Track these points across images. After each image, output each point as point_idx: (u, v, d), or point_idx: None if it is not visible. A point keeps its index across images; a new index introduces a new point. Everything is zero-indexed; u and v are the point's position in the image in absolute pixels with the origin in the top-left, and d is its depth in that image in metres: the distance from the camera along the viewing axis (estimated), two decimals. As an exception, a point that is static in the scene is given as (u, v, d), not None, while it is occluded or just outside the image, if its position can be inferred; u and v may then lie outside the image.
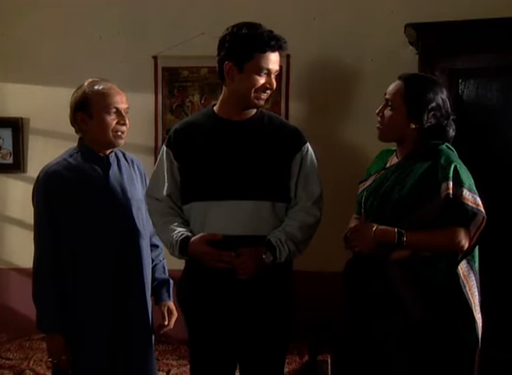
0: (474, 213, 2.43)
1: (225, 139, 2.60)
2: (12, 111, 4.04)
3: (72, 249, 2.63)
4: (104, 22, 3.93)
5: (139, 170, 2.78)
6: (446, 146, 2.57)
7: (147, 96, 3.83)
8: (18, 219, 4.09)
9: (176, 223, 2.63)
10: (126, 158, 2.76)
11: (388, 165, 2.66)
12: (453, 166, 2.45)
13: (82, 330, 2.72)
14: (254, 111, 2.64)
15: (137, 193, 2.72)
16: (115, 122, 2.67)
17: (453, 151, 2.56)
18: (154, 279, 2.79)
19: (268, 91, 2.54)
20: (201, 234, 2.51)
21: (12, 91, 4.05)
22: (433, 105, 2.52)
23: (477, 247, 2.53)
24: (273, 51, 2.50)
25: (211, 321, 2.63)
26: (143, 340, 2.80)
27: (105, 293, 2.67)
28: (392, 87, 2.60)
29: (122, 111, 2.67)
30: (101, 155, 2.72)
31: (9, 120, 4.06)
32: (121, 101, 2.67)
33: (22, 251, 3.98)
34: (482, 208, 2.45)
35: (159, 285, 2.80)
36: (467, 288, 2.50)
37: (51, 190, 2.71)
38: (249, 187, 2.56)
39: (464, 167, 2.51)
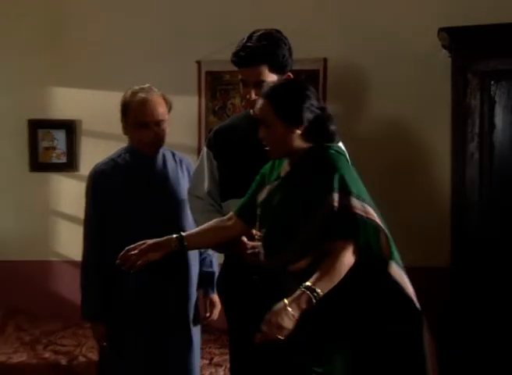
0: (364, 222, 2.22)
1: (260, 140, 2.54)
2: (66, 114, 4.09)
3: (116, 243, 2.62)
4: (152, 29, 3.96)
5: (187, 170, 2.80)
6: (335, 150, 2.37)
7: (191, 99, 3.85)
8: (71, 215, 4.13)
9: (214, 220, 2.63)
10: (174, 159, 2.78)
11: (282, 173, 2.46)
12: (338, 176, 2.25)
13: (122, 319, 2.73)
14: None
15: (182, 192, 2.73)
16: (142, 133, 2.71)
17: (342, 153, 2.38)
18: (200, 272, 2.80)
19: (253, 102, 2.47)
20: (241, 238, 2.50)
21: (66, 95, 4.10)
22: (304, 104, 2.33)
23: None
24: (239, 66, 2.52)
25: (248, 312, 2.60)
26: (182, 331, 2.80)
27: (147, 286, 2.69)
28: (259, 107, 2.39)
29: (152, 123, 2.70)
30: (148, 155, 2.74)
31: (63, 123, 4.10)
32: (152, 114, 2.71)
33: (74, 244, 3.83)
34: (373, 217, 2.23)
35: (203, 278, 2.81)
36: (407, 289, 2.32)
37: (98, 188, 2.77)
38: None
39: (352, 174, 2.33)
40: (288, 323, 2.15)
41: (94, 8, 4.04)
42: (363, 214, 2.23)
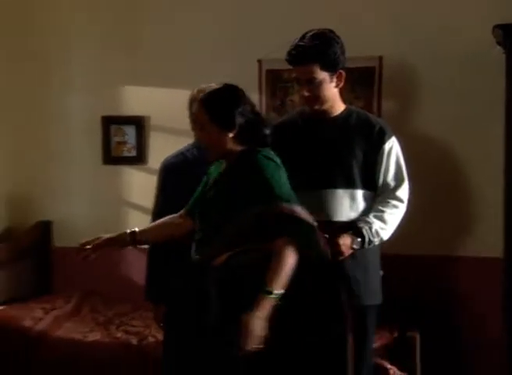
0: (299, 221, 2.28)
1: (314, 134, 2.67)
2: (136, 110, 4.18)
3: None
4: (216, 31, 3.98)
5: None
6: (264, 155, 2.39)
7: (253, 96, 3.69)
8: (140, 205, 4.17)
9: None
10: None
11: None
12: (264, 180, 2.30)
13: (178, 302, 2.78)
14: (342, 108, 2.69)
15: None
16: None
17: (271, 158, 2.39)
18: None
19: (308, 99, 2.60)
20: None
21: (136, 92, 4.17)
22: (236, 109, 2.39)
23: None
24: (292, 65, 2.61)
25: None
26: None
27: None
28: (195, 110, 2.51)
29: None
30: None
31: (133, 118, 4.19)
32: None
33: None
34: (304, 216, 2.29)
35: None
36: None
37: (166, 179, 2.90)
38: (336, 177, 2.61)
39: (279, 178, 2.35)
40: (260, 331, 2.19)
41: (162, 12, 4.10)
42: (297, 215, 2.28)
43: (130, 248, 4.05)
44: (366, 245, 2.56)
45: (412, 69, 3.76)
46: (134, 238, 2.56)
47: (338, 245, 2.51)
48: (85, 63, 4.24)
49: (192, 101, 2.83)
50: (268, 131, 2.47)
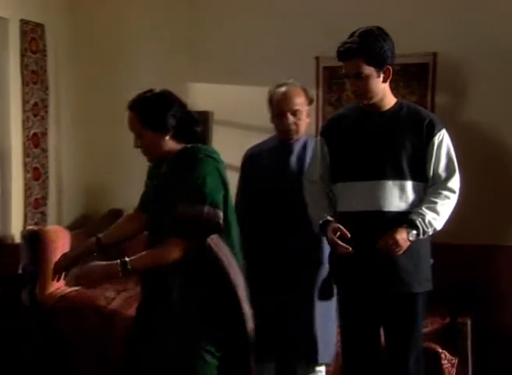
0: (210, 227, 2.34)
1: (366, 127, 2.70)
2: (201, 105, 4.01)
3: (255, 215, 2.91)
4: (276, 30, 4.07)
5: None
6: (204, 154, 2.45)
7: (310, 91, 3.77)
8: None
9: (318, 208, 2.76)
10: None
11: (162, 170, 2.57)
12: (194, 182, 2.34)
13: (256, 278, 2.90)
14: (393, 102, 2.72)
15: None
16: (280, 121, 2.94)
17: (211, 155, 2.45)
18: None
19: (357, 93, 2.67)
20: (334, 225, 2.64)
21: (201, 89, 4.25)
22: (167, 112, 2.43)
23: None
24: (340, 61, 2.67)
25: (357, 289, 2.74)
26: (306, 295, 2.94)
27: (272, 255, 2.92)
28: (128, 120, 2.51)
29: (288, 113, 2.90)
30: (288, 141, 2.97)
31: (198, 113, 4.09)
32: (288, 104, 2.91)
33: None
34: (218, 219, 2.33)
35: None
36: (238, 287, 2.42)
37: (244, 168, 3.09)
38: (386, 169, 2.64)
39: (212, 179, 2.38)
40: (95, 277, 2.36)
41: (224, 14, 4.20)
42: (198, 216, 2.32)
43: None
44: (421, 236, 2.59)
45: (465, 65, 3.77)
46: (100, 244, 2.57)
47: (396, 240, 2.55)
48: (153, 63, 4.34)
49: (272, 95, 2.98)
50: (199, 129, 2.55)
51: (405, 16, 3.82)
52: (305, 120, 2.97)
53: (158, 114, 2.45)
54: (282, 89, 2.96)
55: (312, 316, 2.94)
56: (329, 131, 2.82)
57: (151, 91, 2.52)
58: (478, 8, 3.74)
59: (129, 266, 2.35)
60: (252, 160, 3.08)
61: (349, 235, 2.61)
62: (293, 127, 2.94)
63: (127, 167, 4.25)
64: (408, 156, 2.64)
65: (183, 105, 2.52)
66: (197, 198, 2.36)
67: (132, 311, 3.56)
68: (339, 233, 2.63)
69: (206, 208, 2.35)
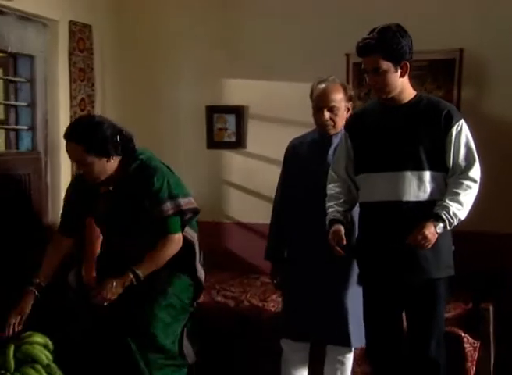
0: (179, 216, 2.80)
1: (386, 121, 2.75)
2: (236, 101, 4.34)
3: (291, 201, 3.04)
4: (308, 28, 4.10)
5: None
6: (148, 159, 2.85)
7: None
8: (239, 185, 4.40)
9: (334, 202, 2.85)
10: None
11: (104, 189, 2.90)
12: (161, 186, 2.77)
13: (291, 260, 3.12)
14: (412, 96, 2.75)
15: None
16: (317, 116, 3.02)
17: (154, 159, 2.88)
18: None
19: (375, 88, 2.74)
20: (336, 228, 2.77)
21: (236, 85, 4.35)
22: (107, 140, 2.73)
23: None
24: (359, 56, 2.76)
25: (378, 276, 2.80)
26: (336, 279, 3.03)
27: (310, 237, 3.01)
28: (71, 151, 2.76)
29: (325, 108, 2.98)
30: (326, 134, 3.06)
31: (234, 108, 4.34)
32: (324, 100, 2.99)
33: (242, 209, 4.40)
34: (191, 205, 2.86)
35: None
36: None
37: (286, 157, 3.20)
38: (404, 161, 2.67)
39: (171, 178, 2.83)
40: (112, 294, 2.75)
41: (258, 13, 4.25)
42: (181, 209, 2.81)
43: (228, 222, 4.38)
44: (448, 228, 2.62)
45: (490, 60, 3.79)
46: (39, 286, 2.87)
47: (425, 235, 2.58)
48: (192, 60, 4.42)
49: (312, 91, 3.06)
50: (133, 144, 2.86)
51: (432, 14, 3.84)
52: (342, 116, 3.02)
53: (100, 140, 2.73)
54: (322, 85, 3.01)
55: (346, 301, 3.02)
56: (352, 125, 2.89)
57: (82, 119, 2.91)
58: (504, 4, 3.75)
59: (141, 276, 2.79)
60: (294, 150, 3.17)
61: (344, 242, 2.73)
62: (330, 123, 3.01)
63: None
64: (426, 147, 2.66)
65: (113, 126, 2.80)
66: (170, 196, 2.79)
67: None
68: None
69: (181, 200, 2.81)
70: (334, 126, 3.02)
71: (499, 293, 3.61)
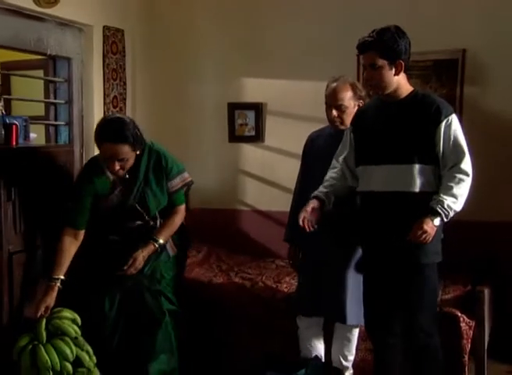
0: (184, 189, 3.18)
1: (382, 116, 2.83)
2: (255, 98, 4.48)
3: (307, 191, 3.11)
4: (321, 30, 4.24)
5: None
6: (156, 146, 3.13)
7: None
8: (257, 175, 4.54)
9: (325, 183, 2.95)
10: None
11: (116, 178, 3.17)
12: (168, 164, 3.16)
13: (303, 244, 3.24)
14: (409, 91, 2.80)
15: None
16: (327, 112, 3.16)
17: (157, 144, 3.20)
18: None
19: (371, 84, 2.81)
20: (312, 205, 2.87)
21: (255, 83, 4.48)
22: (141, 136, 3.07)
23: None
24: (359, 54, 2.85)
25: (374, 258, 2.92)
26: (340, 262, 3.14)
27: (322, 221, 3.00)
28: (117, 151, 2.96)
29: (333, 106, 3.09)
30: (337, 129, 3.16)
31: (253, 105, 4.47)
32: (332, 98, 3.10)
33: (259, 198, 4.55)
34: (187, 180, 3.20)
35: None
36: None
37: (305, 149, 3.37)
38: (396, 154, 2.75)
39: (171, 157, 3.18)
40: (140, 264, 3.12)
41: (277, 17, 4.36)
42: (186, 182, 3.17)
43: (245, 209, 4.51)
44: (445, 220, 2.67)
45: (492, 61, 3.86)
46: (62, 281, 3.00)
47: (424, 230, 2.65)
48: (215, 61, 4.56)
49: (326, 88, 3.17)
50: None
51: (437, 16, 3.95)
52: (351, 113, 3.07)
53: (139, 136, 3.02)
54: (333, 85, 3.11)
55: (346, 282, 3.15)
56: (356, 120, 2.98)
57: (112, 120, 3.06)
58: (505, 8, 3.84)
59: (161, 243, 3.14)
60: (312, 143, 3.33)
61: (310, 228, 2.85)
62: (337, 119, 3.12)
63: (188, 153, 4.34)
64: (416, 141, 2.72)
65: (134, 121, 3.10)
66: (178, 172, 3.16)
67: (194, 275, 3.95)
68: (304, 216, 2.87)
69: (185, 175, 3.20)
70: (342, 122, 3.12)
71: (495, 277, 3.74)
